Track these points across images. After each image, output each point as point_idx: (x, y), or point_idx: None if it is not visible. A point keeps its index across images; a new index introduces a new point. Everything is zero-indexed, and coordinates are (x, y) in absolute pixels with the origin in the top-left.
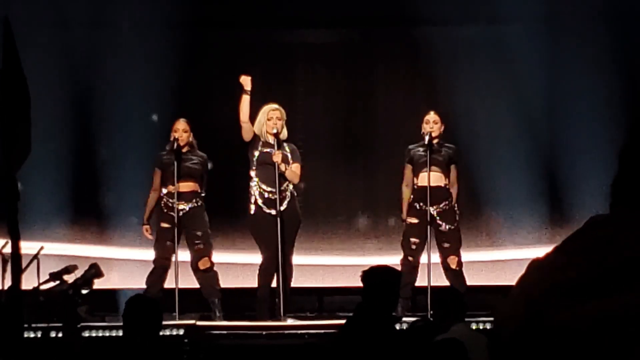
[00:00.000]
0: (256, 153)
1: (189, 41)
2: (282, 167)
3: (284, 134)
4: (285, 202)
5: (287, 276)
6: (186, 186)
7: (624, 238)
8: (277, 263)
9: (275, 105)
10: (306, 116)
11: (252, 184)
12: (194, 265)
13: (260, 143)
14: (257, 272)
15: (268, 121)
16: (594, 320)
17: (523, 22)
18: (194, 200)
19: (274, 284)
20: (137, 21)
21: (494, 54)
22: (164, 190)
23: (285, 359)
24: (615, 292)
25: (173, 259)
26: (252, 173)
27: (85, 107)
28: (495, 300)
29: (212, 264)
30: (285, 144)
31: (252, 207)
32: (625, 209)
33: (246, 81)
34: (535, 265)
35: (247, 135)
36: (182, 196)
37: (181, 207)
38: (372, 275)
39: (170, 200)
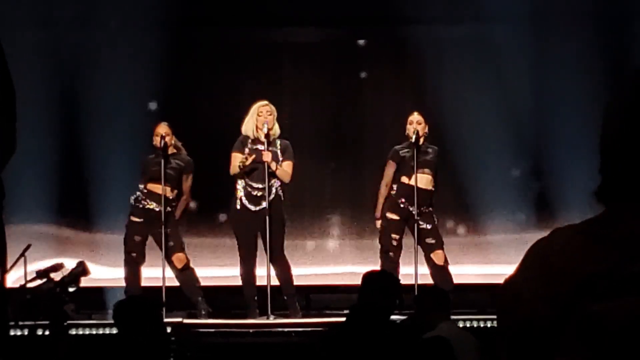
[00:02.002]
0: (246, 151)
1: (176, 40)
2: (273, 165)
3: (276, 130)
4: (269, 200)
5: (284, 275)
6: (159, 189)
7: None
8: (254, 260)
9: (265, 102)
10: (292, 115)
11: (239, 181)
12: (169, 263)
13: (250, 141)
14: (239, 271)
15: (258, 116)
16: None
17: (509, 21)
18: (171, 204)
19: (264, 282)
20: (124, 20)
21: (481, 53)
22: (140, 187)
23: (272, 357)
24: None
25: (144, 254)
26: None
27: (71, 105)
28: (501, 298)
29: (188, 260)
30: (277, 141)
31: (238, 204)
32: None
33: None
34: (554, 255)
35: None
36: (155, 197)
37: (154, 206)
38: (370, 279)
39: (143, 199)
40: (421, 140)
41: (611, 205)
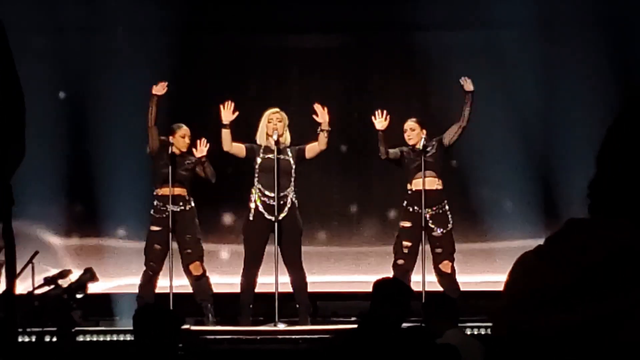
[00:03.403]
0: (258, 159)
1: (183, 46)
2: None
3: (286, 138)
4: (286, 210)
5: (298, 284)
6: (174, 191)
7: (597, 245)
8: (257, 269)
9: (276, 109)
10: (300, 121)
11: (253, 190)
12: (185, 270)
13: (262, 149)
14: (240, 278)
15: (268, 124)
16: (562, 329)
17: (517, 27)
18: (181, 204)
19: (270, 289)
20: (131, 26)
21: (488, 59)
22: (155, 193)
23: None
24: (587, 301)
25: (164, 263)
26: (255, 180)
27: (79, 112)
28: (490, 306)
29: (204, 269)
30: (288, 149)
31: (252, 213)
32: (602, 214)
33: (227, 115)
34: (519, 269)
35: (238, 151)
36: (171, 199)
37: (171, 208)
38: (381, 287)
39: (160, 204)
40: (418, 145)
41: (568, 221)
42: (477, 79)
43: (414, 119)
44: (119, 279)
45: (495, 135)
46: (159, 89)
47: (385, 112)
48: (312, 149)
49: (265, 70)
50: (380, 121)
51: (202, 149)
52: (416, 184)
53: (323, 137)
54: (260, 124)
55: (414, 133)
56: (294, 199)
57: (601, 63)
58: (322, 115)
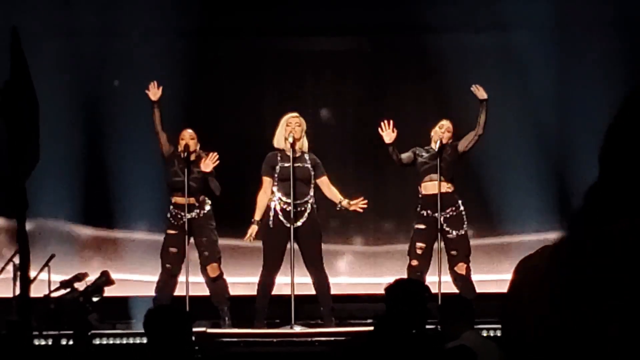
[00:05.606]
0: (277, 168)
1: (198, 49)
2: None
3: (304, 144)
4: (305, 216)
5: (321, 286)
6: (183, 199)
7: (616, 249)
8: (276, 274)
9: (295, 114)
10: (315, 124)
11: (274, 198)
12: (203, 271)
13: (279, 157)
14: (258, 281)
15: (287, 127)
16: (555, 329)
17: (532, 29)
18: (196, 211)
19: (286, 292)
20: (146, 29)
21: (503, 61)
22: (171, 200)
23: None
24: (581, 302)
25: (180, 266)
26: (274, 188)
27: (93, 116)
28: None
29: (222, 272)
30: (306, 155)
31: (271, 221)
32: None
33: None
34: (521, 270)
35: (269, 185)
36: (183, 207)
37: (189, 216)
38: (396, 288)
39: (176, 211)
40: (434, 146)
41: (571, 224)
42: (491, 81)
43: (449, 120)
44: (138, 275)
45: (510, 135)
46: (153, 93)
47: (391, 122)
48: (322, 183)
49: (280, 73)
50: (388, 133)
51: (208, 163)
52: (425, 187)
53: (336, 197)
54: (278, 128)
55: (448, 134)
56: (313, 205)
57: (616, 65)
58: (353, 205)
